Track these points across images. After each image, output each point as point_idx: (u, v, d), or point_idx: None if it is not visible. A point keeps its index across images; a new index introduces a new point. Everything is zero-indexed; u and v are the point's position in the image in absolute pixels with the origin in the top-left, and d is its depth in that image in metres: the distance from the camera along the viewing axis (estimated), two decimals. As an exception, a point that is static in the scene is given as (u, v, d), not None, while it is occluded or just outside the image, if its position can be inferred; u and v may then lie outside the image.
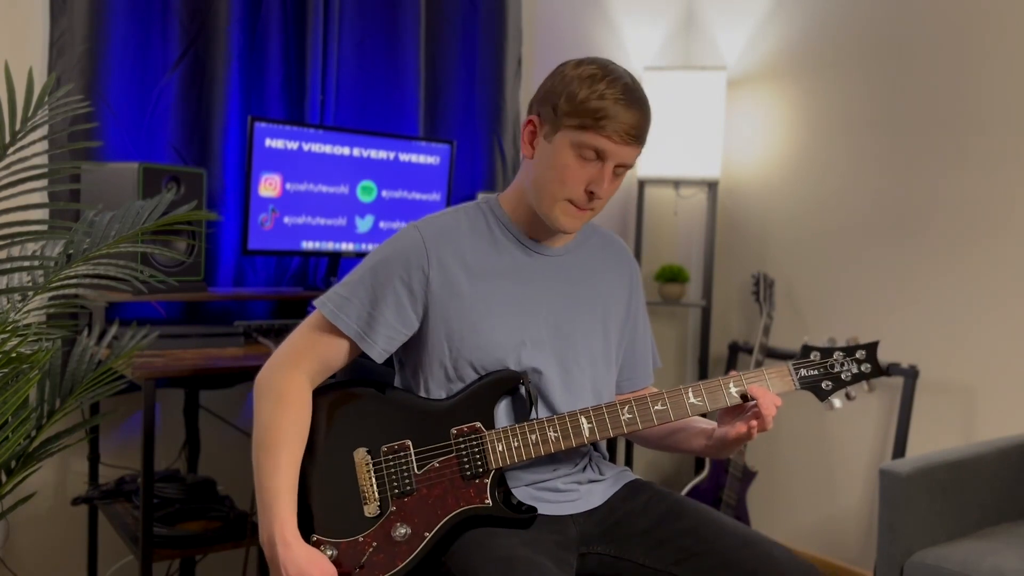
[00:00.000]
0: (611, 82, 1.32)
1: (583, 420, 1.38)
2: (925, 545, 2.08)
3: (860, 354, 1.46)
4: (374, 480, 1.35)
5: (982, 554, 1.98)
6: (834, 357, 1.45)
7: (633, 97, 1.33)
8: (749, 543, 1.35)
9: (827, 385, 1.45)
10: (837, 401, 1.45)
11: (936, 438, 2.69)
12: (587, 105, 1.31)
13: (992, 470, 2.24)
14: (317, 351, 1.39)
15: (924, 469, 2.09)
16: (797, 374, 1.44)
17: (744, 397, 1.41)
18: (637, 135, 1.34)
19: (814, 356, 1.45)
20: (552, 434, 1.37)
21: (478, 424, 1.37)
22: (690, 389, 1.41)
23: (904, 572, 2.05)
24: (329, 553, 1.33)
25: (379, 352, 1.39)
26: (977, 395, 2.62)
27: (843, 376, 1.45)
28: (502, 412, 1.41)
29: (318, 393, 1.41)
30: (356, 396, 1.41)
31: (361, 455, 1.36)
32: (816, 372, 1.44)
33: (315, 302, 1.41)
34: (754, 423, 1.37)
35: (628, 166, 1.38)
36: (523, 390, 1.40)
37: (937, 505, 2.11)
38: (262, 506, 1.31)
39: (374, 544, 1.33)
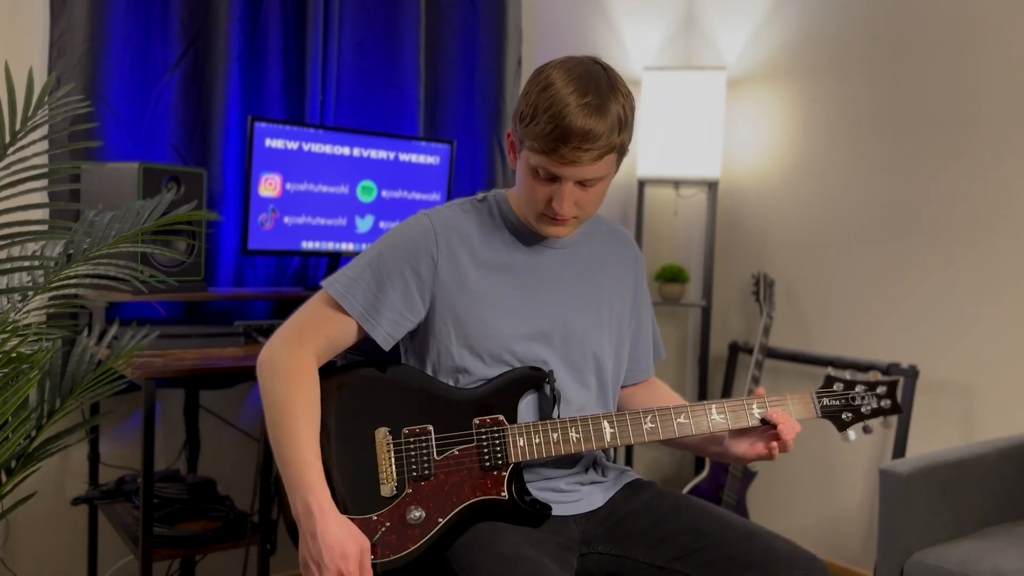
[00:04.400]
0: (565, 95, 1.26)
1: (606, 424, 1.39)
2: (925, 545, 2.08)
3: (881, 389, 1.50)
4: (393, 461, 1.36)
5: (982, 554, 1.98)
6: (856, 390, 1.50)
7: (587, 111, 1.26)
8: (751, 536, 1.35)
9: (847, 416, 1.49)
10: (853, 434, 1.49)
11: (936, 438, 2.69)
12: (535, 128, 1.28)
13: (992, 470, 2.24)
14: (323, 331, 1.38)
15: (924, 469, 2.09)
16: (820, 402, 1.48)
17: (764, 420, 1.43)
18: (590, 152, 1.27)
19: (837, 387, 1.50)
20: (574, 435, 1.38)
21: (501, 417, 1.38)
22: (713, 406, 1.43)
23: (904, 572, 2.05)
24: None
25: (384, 336, 1.38)
26: (977, 395, 2.62)
27: (863, 409, 1.49)
28: (523, 408, 1.41)
29: (344, 368, 1.41)
30: (382, 375, 1.41)
31: (382, 434, 1.36)
32: (838, 403, 1.49)
33: (323, 282, 1.41)
34: (775, 444, 1.41)
35: (598, 179, 1.33)
36: (548, 388, 1.41)
37: (937, 505, 2.12)
38: (289, 478, 1.30)
39: (387, 524, 1.33)
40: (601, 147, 1.28)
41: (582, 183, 1.32)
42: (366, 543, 1.28)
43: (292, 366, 1.35)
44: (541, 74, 1.33)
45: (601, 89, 1.29)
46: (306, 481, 1.28)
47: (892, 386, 1.50)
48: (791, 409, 1.45)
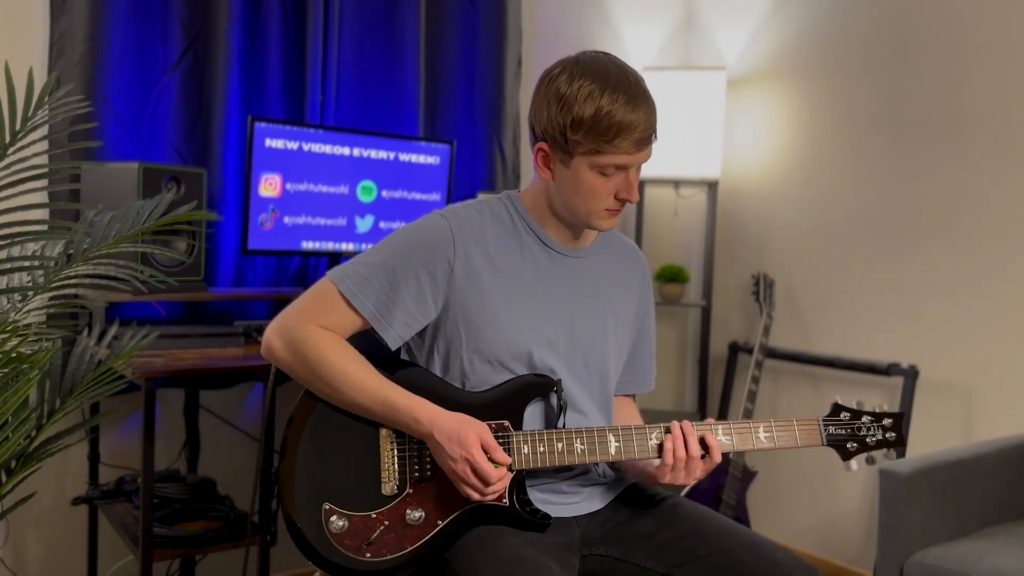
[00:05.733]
0: (611, 93, 1.31)
1: (611, 438, 1.39)
2: (925, 545, 2.08)
3: (887, 422, 1.50)
4: (396, 459, 1.36)
5: (981, 554, 1.98)
6: (862, 420, 1.49)
7: (636, 101, 1.32)
8: (751, 545, 1.35)
9: (852, 446, 1.48)
10: (855, 464, 1.49)
11: (936, 438, 2.69)
12: (596, 129, 1.31)
13: (992, 470, 2.24)
14: (329, 318, 1.38)
15: (924, 469, 2.09)
16: (826, 430, 1.47)
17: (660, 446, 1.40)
18: (649, 137, 1.35)
19: (844, 416, 1.49)
20: (579, 446, 1.37)
21: (507, 423, 1.37)
22: (720, 427, 1.41)
23: (904, 572, 2.05)
24: (340, 524, 1.33)
25: (394, 337, 1.38)
26: (977, 395, 2.62)
27: (868, 440, 1.49)
28: (529, 415, 1.40)
29: None
30: (391, 374, 1.39)
31: (386, 432, 1.36)
32: (844, 432, 1.48)
33: (333, 276, 1.38)
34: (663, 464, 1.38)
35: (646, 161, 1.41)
36: (555, 397, 1.41)
37: (937, 505, 2.12)
38: (384, 417, 1.34)
39: (386, 523, 1.33)
40: (656, 124, 1.36)
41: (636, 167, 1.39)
42: (481, 425, 1.31)
43: (309, 333, 1.36)
44: (573, 83, 1.33)
45: (628, 75, 1.35)
46: (399, 405, 1.32)
47: (898, 419, 1.50)
48: (798, 435, 1.44)
